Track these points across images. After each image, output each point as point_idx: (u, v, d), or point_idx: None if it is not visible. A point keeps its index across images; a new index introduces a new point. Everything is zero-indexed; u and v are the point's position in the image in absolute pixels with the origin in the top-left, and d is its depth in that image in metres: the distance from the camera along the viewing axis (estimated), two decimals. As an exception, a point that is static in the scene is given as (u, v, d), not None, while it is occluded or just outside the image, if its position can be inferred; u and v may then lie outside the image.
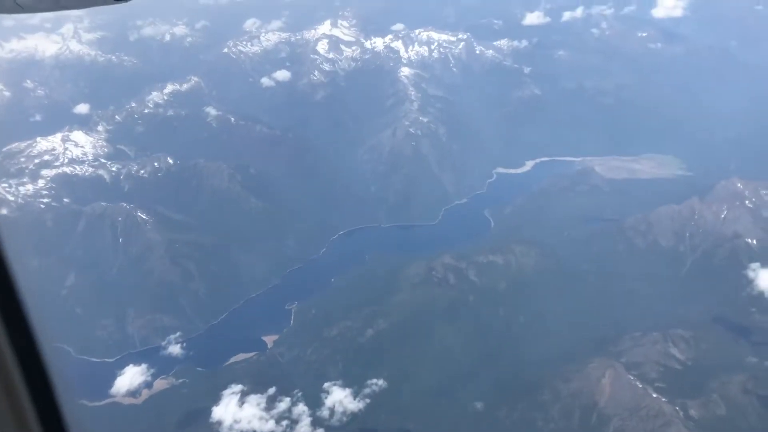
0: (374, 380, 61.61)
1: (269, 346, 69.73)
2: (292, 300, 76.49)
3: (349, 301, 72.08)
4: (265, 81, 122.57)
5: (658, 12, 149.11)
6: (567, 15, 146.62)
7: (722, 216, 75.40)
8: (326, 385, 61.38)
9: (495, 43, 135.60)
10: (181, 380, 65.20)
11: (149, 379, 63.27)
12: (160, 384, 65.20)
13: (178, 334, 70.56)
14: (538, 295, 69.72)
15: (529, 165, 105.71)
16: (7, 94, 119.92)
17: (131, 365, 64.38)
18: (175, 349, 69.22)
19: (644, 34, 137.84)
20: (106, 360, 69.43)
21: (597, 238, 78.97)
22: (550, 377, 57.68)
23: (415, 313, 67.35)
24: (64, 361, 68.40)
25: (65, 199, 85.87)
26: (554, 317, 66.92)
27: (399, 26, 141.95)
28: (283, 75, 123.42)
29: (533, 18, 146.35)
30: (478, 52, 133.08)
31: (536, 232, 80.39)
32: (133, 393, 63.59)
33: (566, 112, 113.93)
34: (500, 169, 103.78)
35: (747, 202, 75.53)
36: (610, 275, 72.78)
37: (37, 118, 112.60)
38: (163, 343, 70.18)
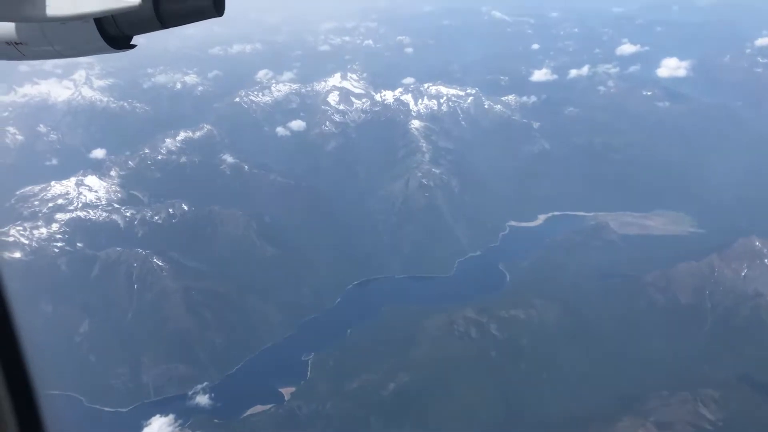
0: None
1: (287, 398, 68.24)
2: (308, 351, 75.25)
3: (367, 354, 70.98)
4: (280, 130, 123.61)
5: (662, 72, 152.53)
6: (573, 72, 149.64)
7: (742, 274, 75.41)
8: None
9: (503, 98, 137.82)
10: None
11: (169, 430, 61.45)
12: (175, 436, 63.42)
13: (203, 384, 68.94)
14: (561, 351, 68.96)
15: (541, 219, 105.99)
16: (20, 137, 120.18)
17: (158, 415, 62.58)
18: (191, 400, 67.57)
19: (649, 93, 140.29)
20: (120, 410, 67.70)
21: (616, 294, 78.54)
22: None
23: (438, 368, 66.24)
24: (75, 410, 66.79)
25: (79, 244, 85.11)
26: (578, 374, 66.09)
27: (409, 80, 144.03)
28: (298, 124, 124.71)
29: (540, 75, 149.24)
30: (486, 106, 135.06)
31: (554, 287, 79.88)
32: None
33: (576, 167, 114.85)
34: (513, 222, 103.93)
35: (766, 260, 75.66)
36: (632, 332, 72.15)
37: (53, 162, 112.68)
38: (179, 393, 68.53)
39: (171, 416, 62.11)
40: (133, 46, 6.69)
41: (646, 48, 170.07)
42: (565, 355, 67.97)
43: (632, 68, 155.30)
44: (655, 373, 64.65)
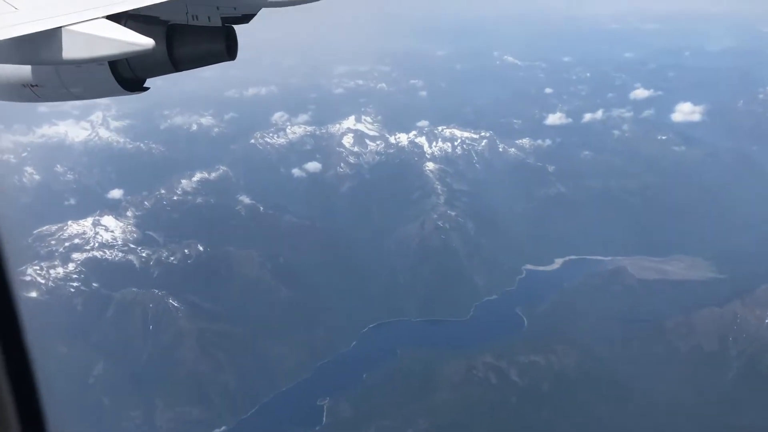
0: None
1: (302, 444, 66.87)
2: (323, 395, 74.03)
3: (385, 399, 69.77)
4: (296, 171, 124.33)
5: (677, 117, 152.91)
6: (587, 116, 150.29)
7: (766, 321, 74.03)
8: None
9: (517, 141, 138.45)
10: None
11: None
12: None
13: (218, 429, 67.71)
14: (582, 398, 67.55)
15: (558, 262, 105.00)
16: (37, 177, 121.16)
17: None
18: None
19: (664, 137, 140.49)
20: (132, 454, 66.49)
21: (636, 340, 77.30)
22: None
23: (458, 414, 64.93)
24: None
25: (94, 284, 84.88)
26: (600, 422, 64.55)
27: (423, 122, 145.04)
28: (313, 166, 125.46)
29: (555, 119, 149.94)
30: (500, 149, 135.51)
31: (574, 332, 78.70)
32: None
33: (592, 210, 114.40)
34: (529, 266, 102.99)
35: (791, 307, 74.39)
36: (654, 379, 70.65)
37: (71, 201, 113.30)
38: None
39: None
40: (147, 89, 6.79)
41: (660, 93, 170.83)
42: (586, 403, 66.52)
43: (646, 112, 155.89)
44: (680, 421, 63.14)
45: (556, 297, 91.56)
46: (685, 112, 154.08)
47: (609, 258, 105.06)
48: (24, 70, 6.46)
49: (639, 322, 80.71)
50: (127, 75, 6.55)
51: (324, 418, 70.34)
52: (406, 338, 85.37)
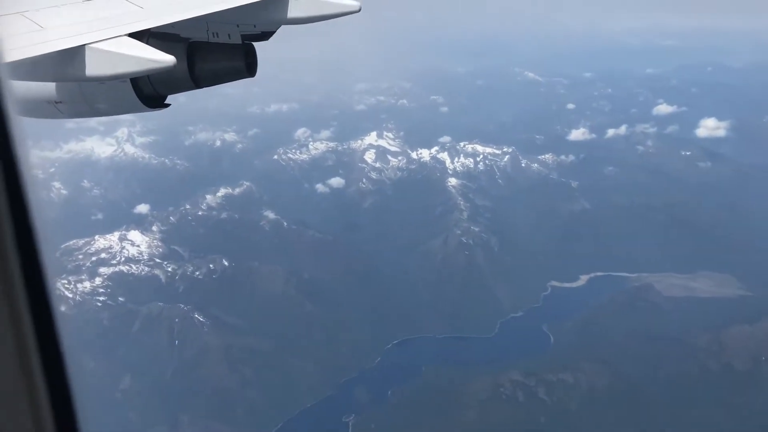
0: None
1: (328, 461, 66.40)
2: (348, 412, 73.59)
3: (411, 416, 69.17)
4: (319, 187, 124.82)
5: (701, 132, 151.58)
6: (611, 132, 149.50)
7: (800, 340, 72.62)
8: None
9: (540, 157, 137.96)
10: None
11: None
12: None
13: None
14: (612, 417, 66.50)
15: (583, 279, 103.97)
16: (64, 192, 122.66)
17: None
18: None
19: (688, 153, 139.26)
20: (158, 469, 66.41)
21: (666, 359, 76.02)
22: None
23: (485, 432, 64.11)
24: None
25: (120, 298, 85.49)
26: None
27: (445, 138, 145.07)
28: (337, 182, 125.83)
29: (578, 134, 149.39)
30: (523, 165, 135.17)
31: (602, 350, 77.71)
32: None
33: (618, 227, 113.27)
34: (554, 283, 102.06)
35: (825, 326, 72.90)
36: (685, 398, 69.48)
37: (99, 216, 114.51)
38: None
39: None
40: (168, 105, 6.87)
41: (683, 108, 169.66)
42: (617, 421, 65.42)
43: (670, 128, 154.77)
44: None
45: (582, 314, 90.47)
46: (710, 127, 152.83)
47: (635, 275, 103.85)
48: (48, 88, 6.59)
49: (668, 340, 79.46)
50: (148, 92, 6.67)
51: (350, 435, 69.84)
52: (431, 355, 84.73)
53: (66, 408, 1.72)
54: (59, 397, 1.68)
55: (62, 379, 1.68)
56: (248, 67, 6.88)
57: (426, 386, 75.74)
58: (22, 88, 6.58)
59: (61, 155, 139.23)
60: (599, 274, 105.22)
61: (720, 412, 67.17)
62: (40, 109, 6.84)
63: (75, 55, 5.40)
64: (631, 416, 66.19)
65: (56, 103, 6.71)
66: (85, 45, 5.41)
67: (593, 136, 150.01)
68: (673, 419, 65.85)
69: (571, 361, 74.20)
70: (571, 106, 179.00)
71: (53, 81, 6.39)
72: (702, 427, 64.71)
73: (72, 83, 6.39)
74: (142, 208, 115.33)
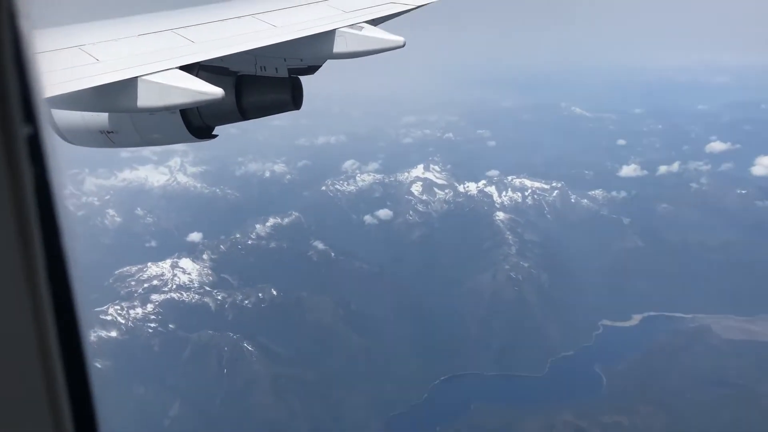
0: None
1: (375, 499, 65.18)
2: (395, 448, 72.45)
3: (460, 455, 67.59)
4: (368, 218, 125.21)
5: (757, 170, 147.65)
6: (663, 169, 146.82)
7: None
8: None
9: (589, 192, 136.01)
10: None
11: None
12: None
13: None
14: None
15: (636, 319, 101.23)
16: (118, 219, 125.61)
17: None
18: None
19: (744, 192, 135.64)
20: (204, 500, 66.13)
21: (726, 405, 73.00)
22: None
23: (538, 475, 62.18)
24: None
25: (171, 325, 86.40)
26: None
27: (493, 172, 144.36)
28: (385, 213, 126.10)
29: (629, 170, 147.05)
30: (572, 200, 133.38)
31: (658, 393, 75.15)
32: None
33: (671, 265, 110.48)
34: (606, 322, 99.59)
35: None
36: (748, 448, 66.47)
37: (152, 243, 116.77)
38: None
39: None
40: (215, 136, 7.08)
41: (738, 146, 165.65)
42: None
43: (724, 166, 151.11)
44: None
45: (636, 355, 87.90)
46: (766, 165, 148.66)
47: (690, 315, 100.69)
48: (101, 118, 6.81)
49: (728, 386, 76.42)
50: (197, 123, 6.86)
51: (397, 472, 68.56)
52: (479, 392, 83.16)
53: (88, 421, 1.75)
54: (81, 411, 1.70)
55: (85, 392, 1.69)
56: (294, 99, 7.11)
57: (475, 424, 74.26)
58: (76, 117, 6.82)
59: (116, 183, 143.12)
60: (653, 313, 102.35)
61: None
62: (94, 138, 7.06)
63: (127, 86, 5.57)
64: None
65: (108, 132, 6.94)
66: (137, 77, 5.58)
67: (645, 172, 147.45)
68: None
69: (626, 403, 71.94)
70: (621, 142, 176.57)
71: (106, 111, 6.60)
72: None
73: (124, 114, 6.59)
74: (194, 237, 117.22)
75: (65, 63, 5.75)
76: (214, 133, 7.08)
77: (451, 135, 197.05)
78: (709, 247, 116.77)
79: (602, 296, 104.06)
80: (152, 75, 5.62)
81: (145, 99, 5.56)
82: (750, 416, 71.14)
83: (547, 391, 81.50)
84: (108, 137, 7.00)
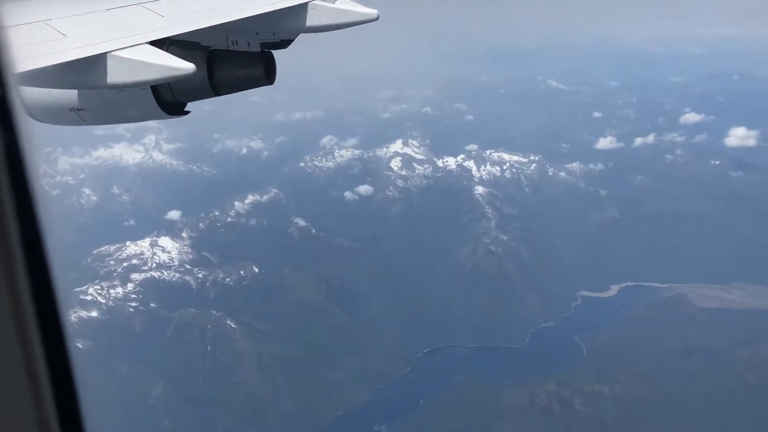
0: None
1: (362, 471, 66.03)
2: (380, 421, 73.27)
3: (444, 426, 68.70)
4: (348, 194, 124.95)
5: (731, 141, 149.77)
6: (638, 141, 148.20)
7: (843, 354, 71.14)
8: None
9: (567, 165, 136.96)
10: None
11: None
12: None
13: None
14: (648, 431, 65.42)
15: (614, 289, 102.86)
16: (94, 198, 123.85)
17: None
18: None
19: (718, 163, 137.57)
20: (192, 476, 66.44)
21: (703, 372, 74.84)
22: None
23: (522, 444, 63.40)
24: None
25: (152, 304, 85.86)
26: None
27: (472, 146, 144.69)
28: (365, 189, 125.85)
29: (606, 143, 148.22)
30: (550, 173, 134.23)
31: (637, 362, 76.71)
32: None
33: (648, 236, 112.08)
34: (585, 292, 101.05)
35: None
36: (723, 413, 68.25)
37: (131, 222, 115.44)
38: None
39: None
40: (188, 113, 6.96)
41: (711, 117, 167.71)
42: (655, 435, 64.40)
43: (699, 137, 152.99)
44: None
45: (614, 325, 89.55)
46: (740, 136, 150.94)
47: (666, 285, 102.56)
48: (70, 95, 6.67)
49: (705, 353, 78.27)
50: (168, 99, 6.76)
51: (382, 445, 69.43)
52: (462, 364, 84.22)
53: (71, 410, 1.72)
54: (65, 401, 1.67)
55: (68, 382, 1.67)
56: (267, 74, 7.01)
57: (459, 396, 75.17)
58: (44, 95, 6.66)
59: (91, 162, 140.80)
60: (630, 284, 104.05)
61: (760, 426, 65.89)
62: (63, 116, 6.94)
63: (96, 62, 5.47)
64: (669, 429, 65.14)
65: (78, 110, 6.82)
66: (106, 53, 5.48)
67: (621, 144, 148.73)
68: (713, 433, 64.77)
69: (606, 372, 73.29)
70: (597, 114, 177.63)
71: (75, 88, 6.47)
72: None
73: (93, 91, 6.48)
74: (172, 215, 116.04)
75: (31, 38, 5.60)
76: (186, 109, 6.99)
77: (428, 109, 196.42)
78: (684, 217, 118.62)
79: (580, 268, 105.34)
80: (121, 50, 5.52)
81: (114, 75, 5.47)
82: (726, 382, 72.99)
83: (528, 362, 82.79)
84: (78, 114, 6.87)
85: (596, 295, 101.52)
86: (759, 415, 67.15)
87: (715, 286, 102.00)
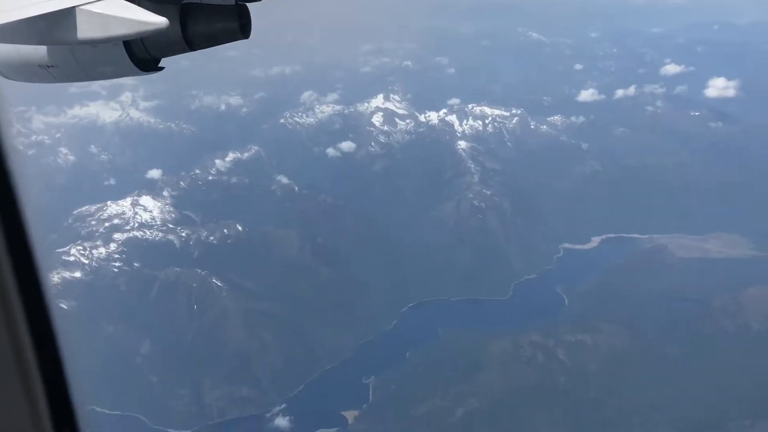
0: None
1: (350, 421, 67.35)
2: (367, 374, 74.35)
3: (430, 378, 69.86)
4: (331, 151, 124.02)
5: (711, 92, 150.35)
6: (620, 92, 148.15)
7: (817, 300, 73.04)
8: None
9: (549, 118, 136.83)
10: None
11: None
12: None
13: (266, 407, 68.29)
14: (631, 378, 67.27)
15: (595, 241, 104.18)
16: (71, 158, 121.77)
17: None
18: (255, 422, 66.92)
19: (698, 114, 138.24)
20: (184, 431, 67.26)
21: (683, 319, 76.53)
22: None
23: (507, 394, 64.97)
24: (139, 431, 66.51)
25: (136, 264, 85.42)
26: (650, 402, 64.19)
27: (454, 101, 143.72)
28: (348, 146, 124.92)
29: (587, 95, 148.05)
30: (532, 126, 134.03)
31: (618, 312, 78.22)
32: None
33: (629, 188, 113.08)
34: (567, 245, 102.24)
35: (842, 285, 73.27)
36: (702, 359, 70.18)
37: (111, 182, 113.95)
38: (243, 416, 68.07)
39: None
40: (161, 69, 6.82)
41: (691, 68, 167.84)
42: (636, 382, 66.23)
43: (679, 88, 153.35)
44: (734, 401, 62.64)
45: (596, 276, 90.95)
46: (719, 87, 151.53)
47: (646, 236, 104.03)
48: (40, 51, 6.46)
49: (685, 301, 79.90)
50: (141, 55, 6.58)
51: (370, 397, 70.63)
52: (447, 317, 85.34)
53: (60, 386, 1.69)
54: (53, 376, 1.64)
55: (55, 357, 1.64)
56: (242, 28, 6.80)
57: (443, 348, 76.43)
58: (12, 51, 6.49)
59: (66, 120, 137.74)
60: (611, 235, 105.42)
61: (738, 371, 67.82)
62: (33, 73, 6.74)
63: (66, 17, 5.32)
64: (651, 376, 66.92)
65: (48, 67, 6.60)
66: (75, 7, 5.32)
67: (602, 96, 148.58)
68: (691, 379, 66.54)
69: (589, 322, 74.75)
70: (578, 66, 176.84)
71: (44, 44, 6.28)
72: (721, 382, 65.42)
73: (64, 47, 6.27)
74: (152, 174, 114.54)
75: None
76: (160, 65, 6.80)
77: (409, 63, 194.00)
78: (665, 169, 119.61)
79: (563, 220, 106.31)
80: (92, 5, 5.35)
81: (85, 31, 5.31)
82: (706, 329, 74.82)
83: (512, 314, 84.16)
84: (48, 71, 6.63)
85: (578, 247, 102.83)
86: (737, 359, 69.05)
87: (694, 236, 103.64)
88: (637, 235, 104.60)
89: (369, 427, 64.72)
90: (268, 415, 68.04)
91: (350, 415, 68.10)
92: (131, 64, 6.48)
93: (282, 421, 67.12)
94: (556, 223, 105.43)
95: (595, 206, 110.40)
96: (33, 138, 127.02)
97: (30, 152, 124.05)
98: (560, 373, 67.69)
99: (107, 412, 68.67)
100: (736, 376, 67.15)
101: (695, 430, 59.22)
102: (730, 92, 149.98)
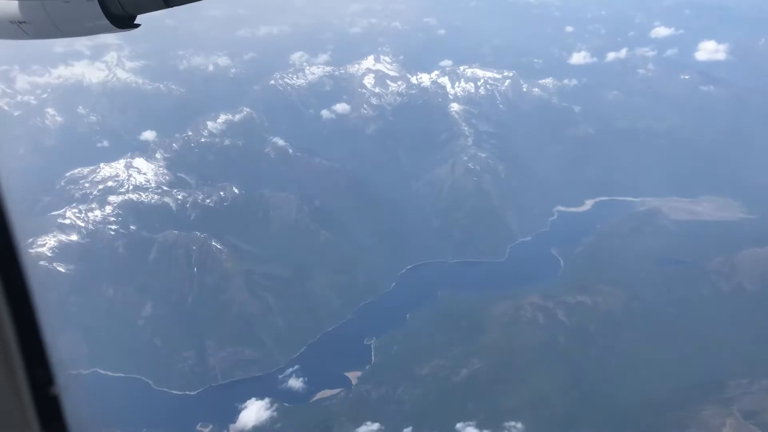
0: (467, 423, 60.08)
1: (354, 382, 68.10)
2: (369, 335, 75.03)
3: (432, 339, 70.77)
4: (325, 113, 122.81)
5: (701, 55, 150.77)
6: (611, 56, 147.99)
7: (809, 261, 74.62)
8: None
9: (540, 81, 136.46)
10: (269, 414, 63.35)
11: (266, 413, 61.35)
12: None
13: (270, 368, 68.85)
14: (630, 338, 68.57)
15: (588, 204, 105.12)
16: (59, 119, 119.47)
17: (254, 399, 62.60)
18: (260, 383, 67.49)
19: (688, 77, 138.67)
20: (188, 393, 67.61)
21: (678, 281, 77.90)
22: (663, 424, 56.10)
23: (509, 354, 65.94)
24: (144, 393, 66.85)
25: (132, 227, 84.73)
26: (650, 361, 65.63)
27: (446, 62, 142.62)
28: (342, 108, 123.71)
29: (579, 58, 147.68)
30: (524, 89, 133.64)
31: (615, 273, 79.31)
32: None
33: (621, 151, 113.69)
34: (561, 207, 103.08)
35: (833, 247, 74.88)
36: (698, 319, 71.60)
37: (104, 144, 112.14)
38: (247, 377, 68.64)
39: (267, 399, 62.05)
40: (138, 26, 6.68)
41: (681, 31, 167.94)
42: (635, 342, 67.54)
43: (669, 51, 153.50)
44: (730, 361, 64.16)
45: (590, 238, 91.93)
46: (709, 50, 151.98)
47: (639, 199, 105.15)
48: (11, 6, 6.35)
49: (679, 263, 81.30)
50: (116, 11, 6.40)
51: (373, 358, 71.40)
52: (445, 279, 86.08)
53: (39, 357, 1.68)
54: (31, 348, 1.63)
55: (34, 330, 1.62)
56: None
57: (442, 310, 77.20)
58: None
59: (51, 80, 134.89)
60: (604, 198, 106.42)
61: (734, 331, 69.37)
62: (4, 29, 6.58)
63: None
64: (649, 336, 68.30)
65: (20, 23, 6.46)
66: None
67: (594, 59, 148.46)
68: (689, 338, 68.04)
69: (585, 282, 75.79)
70: (569, 29, 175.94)
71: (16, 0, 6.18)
72: (718, 342, 66.99)
73: (36, 2, 6.16)
74: (145, 135, 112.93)
75: None
76: (136, 22, 6.64)
77: (398, 24, 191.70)
78: (656, 132, 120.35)
79: (556, 183, 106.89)
80: None
81: None
82: (699, 289, 76.28)
83: (509, 276, 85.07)
84: (21, 28, 6.48)
85: (572, 209, 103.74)
86: (731, 319, 70.65)
87: (686, 199, 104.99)
88: (629, 198, 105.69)
89: (373, 387, 65.47)
90: (272, 376, 68.52)
91: (353, 375, 68.84)
92: (106, 20, 6.32)
93: (287, 383, 67.68)
94: (549, 186, 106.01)
95: (588, 169, 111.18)
96: (18, 98, 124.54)
97: (16, 113, 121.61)
98: (561, 333, 68.83)
99: (110, 374, 68.95)
100: (732, 336, 68.72)
101: (694, 389, 60.68)
102: (720, 55, 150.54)
